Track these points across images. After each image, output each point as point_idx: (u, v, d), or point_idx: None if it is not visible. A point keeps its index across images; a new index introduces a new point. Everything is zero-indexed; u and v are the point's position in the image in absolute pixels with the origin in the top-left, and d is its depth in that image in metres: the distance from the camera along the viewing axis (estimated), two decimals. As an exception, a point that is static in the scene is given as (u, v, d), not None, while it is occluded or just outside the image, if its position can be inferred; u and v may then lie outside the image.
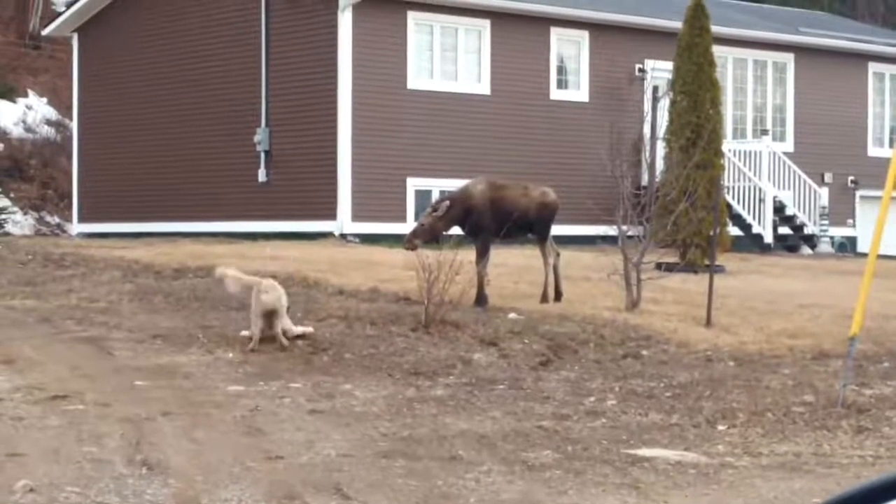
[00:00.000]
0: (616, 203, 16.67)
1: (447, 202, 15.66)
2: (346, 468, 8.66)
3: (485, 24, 26.61)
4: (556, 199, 16.47)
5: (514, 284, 16.98)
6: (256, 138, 26.18)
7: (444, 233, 15.75)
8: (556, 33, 27.51)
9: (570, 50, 27.85)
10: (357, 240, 24.31)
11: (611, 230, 16.52)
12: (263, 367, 12.17)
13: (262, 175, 26.07)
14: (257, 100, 26.26)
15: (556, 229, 26.54)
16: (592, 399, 11.44)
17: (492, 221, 15.60)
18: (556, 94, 27.57)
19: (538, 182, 17.78)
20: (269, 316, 12.94)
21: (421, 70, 25.96)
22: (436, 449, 9.30)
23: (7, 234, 28.33)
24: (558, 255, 16.19)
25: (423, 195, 25.90)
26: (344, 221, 24.85)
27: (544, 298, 15.80)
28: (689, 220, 19.89)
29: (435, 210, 15.56)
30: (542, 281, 16.00)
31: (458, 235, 16.01)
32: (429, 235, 15.51)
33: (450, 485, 8.37)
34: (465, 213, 15.61)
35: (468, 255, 15.54)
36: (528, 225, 16.06)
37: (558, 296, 15.89)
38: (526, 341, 13.54)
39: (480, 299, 15.31)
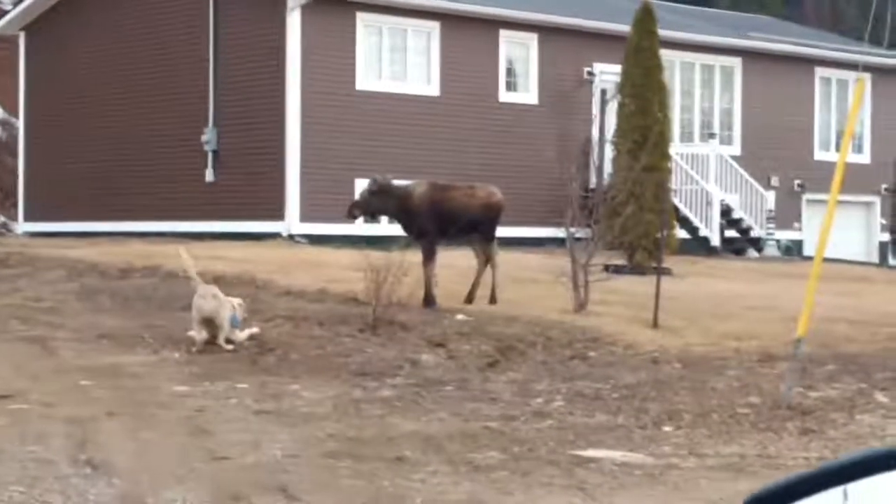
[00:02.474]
0: (564, 205, 16.72)
1: (384, 181, 15.77)
2: (293, 469, 8.63)
3: (434, 26, 26.61)
4: (501, 198, 16.48)
5: (461, 286, 16.98)
6: (204, 138, 26.05)
7: (379, 214, 16.04)
8: (505, 35, 27.55)
9: (519, 52, 27.90)
10: (305, 240, 24.23)
11: (559, 232, 16.57)
12: (209, 367, 12.12)
13: (209, 175, 25.95)
14: (205, 99, 26.12)
15: (505, 231, 26.55)
16: (539, 400, 11.46)
17: (435, 223, 15.59)
18: (505, 96, 27.61)
19: (487, 183, 17.79)
20: (208, 323, 12.86)
21: (370, 71, 25.93)
22: (382, 450, 9.28)
23: (-49, 232, 28.04)
24: (488, 261, 16.12)
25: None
26: (292, 222, 24.77)
27: (492, 300, 15.81)
28: (637, 222, 20.00)
29: (373, 184, 15.73)
30: (490, 283, 16.01)
31: (407, 237, 16.01)
32: (363, 208, 15.85)
33: (396, 485, 8.36)
34: (402, 211, 15.64)
35: (416, 256, 15.54)
36: (473, 225, 16.04)
37: (469, 298, 15.84)
38: (473, 342, 13.56)
39: (429, 300, 15.31)
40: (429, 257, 15.50)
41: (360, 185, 25.40)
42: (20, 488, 7.78)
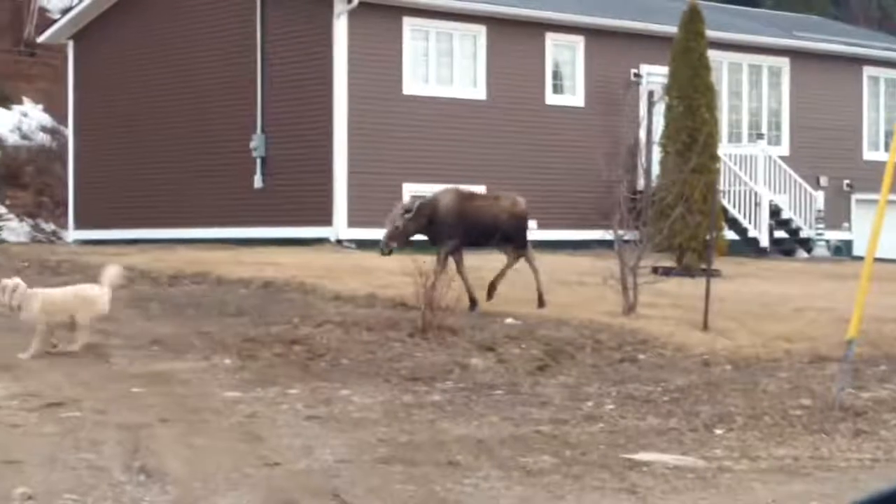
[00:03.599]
0: (612, 208, 16.66)
1: (418, 204, 15.69)
2: (344, 474, 8.65)
3: (480, 30, 26.61)
4: (525, 207, 16.49)
5: (509, 290, 16.96)
6: (252, 144, 26.16)
7: (413, 235, 15.75)
8: (551, 38, 27.52)
9: (565, 55, 27.86)
10: (353, 245, 24.28)
11: (607, 235, 16.52)
12: (260, 373, 12.16)
13: (258, 181, 26.06)
14: (253, 106, 26.24)
15: (553, 234, 26.66)
16: (590, 404, 11.43)
17: (462, 231, 15.59)
18: (551, 98, 27.58)
19: (514, 191, 17.81)
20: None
21: (416, 75, 25.97)
22: (434, 454, 9.29)
23: (3, 241, 28.30)
24: (517, 260, 16.09)
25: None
26: (340, 227, 24.83)
27: (540, 303, 15.78)
28: (686, 224, 19.90)
29: (408, 212, 15.53)
30: (536, 287, 15.99)
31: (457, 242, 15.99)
32: (402, 238, 15.56)
33: (448, 490, 8.36)
34: (429, 221, 15.58)
35: (466, 260, 15.55)
36: (500, 234, 15.96)
37: (491, 293, 15.76)
38: (523, 346, 13.54)
39: (472, 303, 15.40)
40: (459, 262, 15.52)
41: (408, 190, 25.56)
42: (74, 496, 7.84)
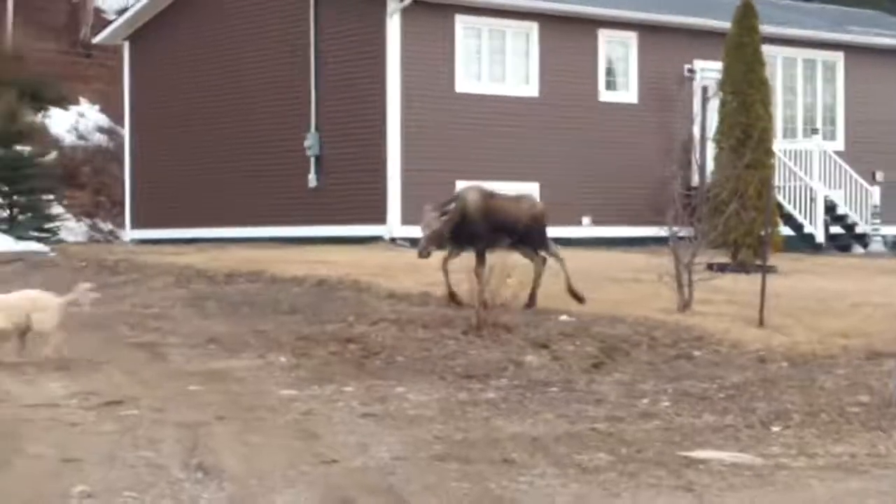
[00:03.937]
0: (666, 204, 16.61)
1: (453, 205, 15.40)
2: (400, 471, 8.68)
3: (533, 27, 26.59)
4: (544, 209, 16.33)
5: (564, 286, 16.94)
6: (306, 143, 26.29)
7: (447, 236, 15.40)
8: (604, 35, 27.46)
9: (618, 51, 27.79)
10: (407, 243, 24.31)
11: (662, 231, 16.46)
12: (316, 371, 12.22)
13: (312, 180, 26.17)
14: (307, 105, 26.36)
15: (607, 231, 26.60)
16: (646, 401, 11.40)
17: (484, 230, 15.37)
18: (604, 95, 27.52)
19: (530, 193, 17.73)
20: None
21: (469, 73, 25.99)
22: (489, 452, 9.30)
23: (61, 241, 28.58)
24: (545, 261, 15.86)
25: (472, 198, 25.89)
26: (393, 225, 24.90)
27: (574, 296, 15.54)
28: (741, 220, 19.81)
29: (444, 214, 15.25)
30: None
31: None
32: (440, 241, 15.27)
33: (503, 487, 8.37)
34: (461, 219, 15.31)
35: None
36: (518, 236, 15.70)
37: (531, 301, 15.41)
38: (577, 343, 13.52)
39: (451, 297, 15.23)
40: (483, 262, 15.17)
41: (462, 187, 25.57)
42: (133, 493, 7.91)
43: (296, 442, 9.47)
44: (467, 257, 14.95)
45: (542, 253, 15.85)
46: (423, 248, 15.19)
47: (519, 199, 16.38)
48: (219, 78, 28.24)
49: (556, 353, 13.20)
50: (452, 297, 15.19)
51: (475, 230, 15.30)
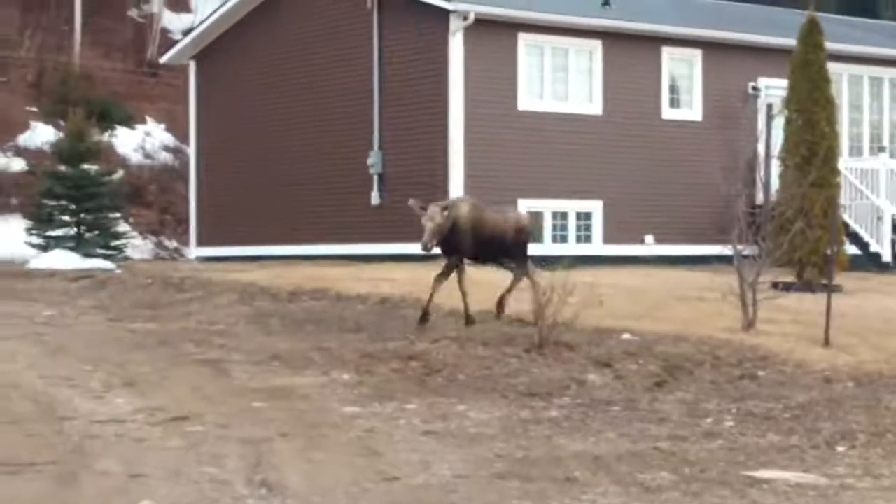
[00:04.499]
0: (731, 222, 16.52)
1: (448, 206, 15.34)
2: (462, 489, 8.69)
3: (596, 45, 26.57)
4: (529, 223, 16.32)
5: (626, 305, 16.90)
6: (369, 161, 26.41)
7: (442, 236, 15.22)
8: (667, 52, 27.39)
9: (682, 69, 27.70)
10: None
11: (726, 250, 16.37)
12: (378, 388, 12.26)
13: (375, 197, 26.28)
14: (370, 123, 26.48)
15: (671, 249, 26.47)
16: (709, 420, 11.34)
17: (472, 243, 15.37)
18: (668, 113, 27.44)
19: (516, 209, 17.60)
20: None
21: (532, 91, 26.01)
22: (551, 470, 9.29)
23: (127, 258, 28.86)
24: (524, 275, 15.75)
25: (534, 216, 25.90)
26: (456, 243, 24.90)
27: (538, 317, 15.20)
28: (806, 238, 19.66)
29: (445, 209, 15.18)
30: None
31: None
32: (440, 237, 15.10)
33: (565, 506, 8.36)
34: (452, 227, 15.21)
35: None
36: (503, 250, 15.73)
37: (500, 308, 15.52)
38: (640, 362, 13.47)
39: (423, 317, 15.25)
40: (446, 273, 15.31)
41: (523, 206, 25.59)
42: (198, 508, 7.99)
43: (358, 459, 9.51)
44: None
45: (521, 270, 15.74)
46: (428, 241, 15.03)
47: (505, 212, 16.42)
48: (282, 97, 28.44)
49: (619, 371, 13.15)
50: (425, 316, 15.24)
51: (462, 241, 15.31)
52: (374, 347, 13.97)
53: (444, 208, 15.19)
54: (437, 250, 15.35)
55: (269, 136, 28.77)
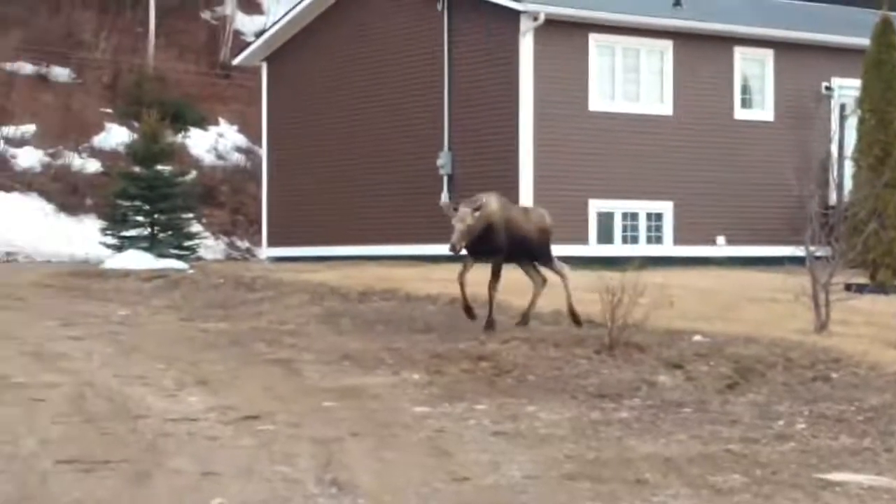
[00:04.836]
0: (804, 223, 16.39)
1: (480, 206, 14.79)
2: (532, 490, 8.69)
3: (667, 45, 26.46)
4: (551, 222, 15.97)
5: (697, 307, 16.82)
6: (439, 162, 26.46)
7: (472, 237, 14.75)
8: (739, 52, 27.22)
9: (754, 69, 27.52)
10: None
11: (798, 251, 16.24)
12: (448, 388, 12.29)
13: (444, 198, 26.33)
14: (440, 124, 26.54)
15: (743, 250, 26.30)
16: (781, 423, 11.26)
17: (506, 243, 15.03)
18: (740, 113, 27.27)
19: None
20: None
21: (603, 91, 25.94)
22: (621, 471, 9.27)
23: (199, 258, 29.12)
24: (545, 281, 15.62)
25: (605, 217, 25.86)
26: (526, 244, 24.89)
27: (575, 320, 15.21)
28: (879, 240, 19.47)
29: (476, 210, 14.66)
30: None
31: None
32: (468, 239, 14.65)
33: (636, 508, 8.34)
34: (485, 229, 14.78)
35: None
36: (528, 251, 15.46)
37: (524, 320, 15.29)
38: (712, 364, 13.40)
39: (489, 323, 14.90)
40: (497, 276, 14.99)
41: (594, 207, 25.52)
42: (269, 506, 8.05)
43: (428, 459, 9.54)
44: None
45: (548, 268, 15.59)
46: (456, 242, 14.55)
47: (528, 211, 16.15)
48: (353, 98, 28.58)
49: (690, 373, 13.09)
50: (468, 312, 15.00)
51: (498, 242, 14.94)
52: (444, 348, 14.00)
53: (476, 209, 14.69)
54: (464, 251, 14.94)
55: (338, 137, 28.91)
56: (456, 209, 14.72)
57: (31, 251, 33.12)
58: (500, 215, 15.08)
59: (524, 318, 15.41)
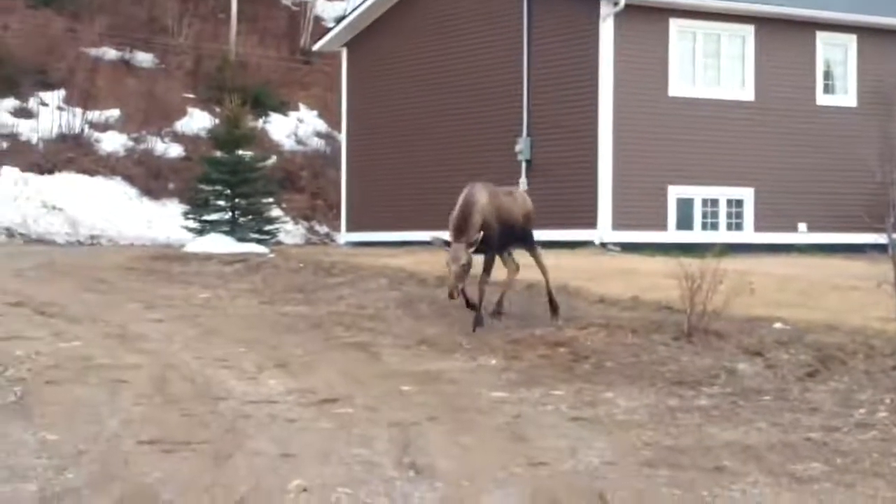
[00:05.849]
0: (886, 210, 16.19)
1: (477, 224, 14.01)
2: (610, 476, 8.68)
3: (748, 30, 26.23)
4: (533, 206, 15.48)
5: (778, 294, 16.68)
6: (518, 147, 26.43)
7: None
8: (822, 38, 26.91)
9: (836, 54, 27.20)
10: (617, 248, 24.26)
11: (881, 238, 16.05)
12: (525, 374, 12.29)
13: (523, 184, 26.29)
14: (519, 110, 26.50)
15: (825, 237, 26.03)
16: (862, 411, 11.14)
17: (497, 232, 14.45)
18: (822, 99, 26.98)
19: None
20: None
21: (683, 77, 25.77)
22: (700, 459, 9.23)
23: (279, 243, 29.34)
24: (518, 268, 15.25)
25: (684, 203, 25.69)
26: (604, 230, 24.84)
27: (553, 309, 14.80)
28: (964, 227, 19.17)
29: (471, 245, 13.86)
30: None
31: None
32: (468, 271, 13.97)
33: (715, 496, 8.30)
34: (480, 226, 14.13)
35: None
36: (516, 237, 14.97)
37: (499, 308, 14.77)
38: (792, 351, 13.28)
39: (478, 319, 14.32)
40: (489, 269, 14.53)
41: (673, 193, 25.37)
42: (347, 490, 8.10)
43: (506, 444, 9.55)
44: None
45: (533, 254, 15.21)
46: (454, 287, 13.80)
47: (513, 195, 15.43)
48: (432, 83, 28.60)
49: (770, 360, 12.98)
50: (478, 319, 14.38)
51: (492, 236, 14.34)
52: (521, 333, 13.99)
53: (471, 244, 13.78)
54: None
55: (417, 123, 28.97)
56: (448, 243, 13.96)
57: (114, 235, 33.56)
58: (491, 207, 14.37)
59: (499, 307, 14.89)
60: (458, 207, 14.31)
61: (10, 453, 8.79)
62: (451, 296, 13.86)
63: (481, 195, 14.38)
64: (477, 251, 14.08)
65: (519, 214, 15.08)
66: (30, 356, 12.26)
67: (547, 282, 15.21)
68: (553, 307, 14.98)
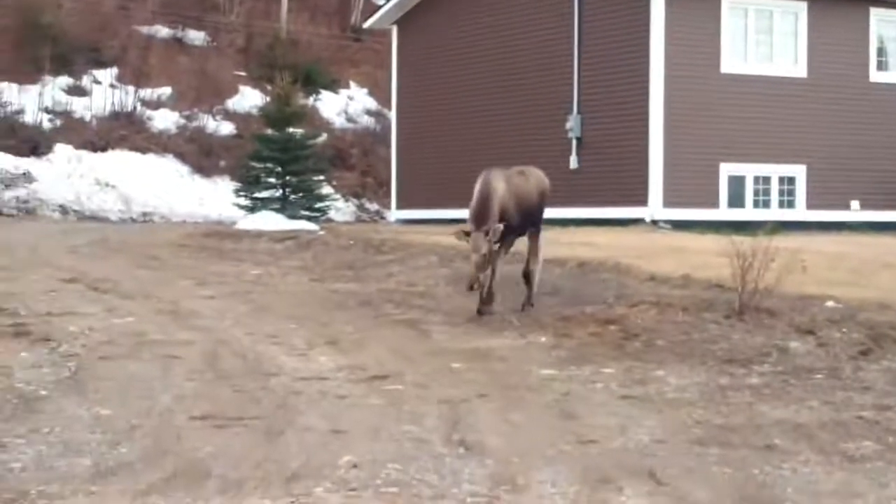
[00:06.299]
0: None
1: (496, 212, 13.70)
2: (660, 454, 8.67)
3: (801, 6, 26.00)
4: (548, 184, 15.03)
5: (830, 273, 16.56)
6: (568, 125, 26.35)
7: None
8: (875, 14, 26.64)
9: (890, 31, 26.92)
10: (668, 226, 24.16)
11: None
12: (575, 351, 12.28)
13: (573, 161, 26.24)
14: (569, 87, 26.41)
15: (877, 215, 25.83)
16: (915, 390, 11.07)
17: (517, 218, 14.14)
18: (875, 76, 26.72)
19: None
20: None
21: (735, 54, 25.59)
22: (751, 437, 9.20)
23: (330, 220, 29.43)
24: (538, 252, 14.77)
25: (736, 181, 25.55)
26: (655, 207, 24.74)
27: (528, 302, 14.38)
28: None
29: (488, 233, 13.49)
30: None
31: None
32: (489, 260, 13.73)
33: (766, 474, 8.28)
34: (501, 213, 13.83)
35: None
36: (531, 219, 14.56)
37: (529, 298, 14.36)
38: (844, 330, 13.19)
39: (486, 301, 13.98)
40: (503, 254, 14.22)
41: (725, 171, 25.22)
42: (397, 466, 8.14)
43: (555, 421, 9.56)
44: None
45: (535, 236, 14.81)
46: (474, 277, 13.59)
47: (526, 175, 14.87)
48: (482, 61, 28.55)
49: (822, 339, 12.90)
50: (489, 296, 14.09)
51: (512, 223, 14.04)
52: (571, 311, 13.98)
53: (487, 232, 13.48)
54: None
55: (467, 100, 28.92)
56: (467, 234, 13.68)
57: (166, 212, 33.78)
58: (508, 195, 14.05)
59: (528, 300, 14.53)
60: (475, 197, 14.01)
61: (65, 428, 8.89)
62: (470, 287, 13.62)
63: (498, 183, 14.03)
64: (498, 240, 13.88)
65: (535, 193, 14.74)
66: (83, 332, 12.37)
67: (532, 268, 14.60)
68: (529, 291, 14.46)
